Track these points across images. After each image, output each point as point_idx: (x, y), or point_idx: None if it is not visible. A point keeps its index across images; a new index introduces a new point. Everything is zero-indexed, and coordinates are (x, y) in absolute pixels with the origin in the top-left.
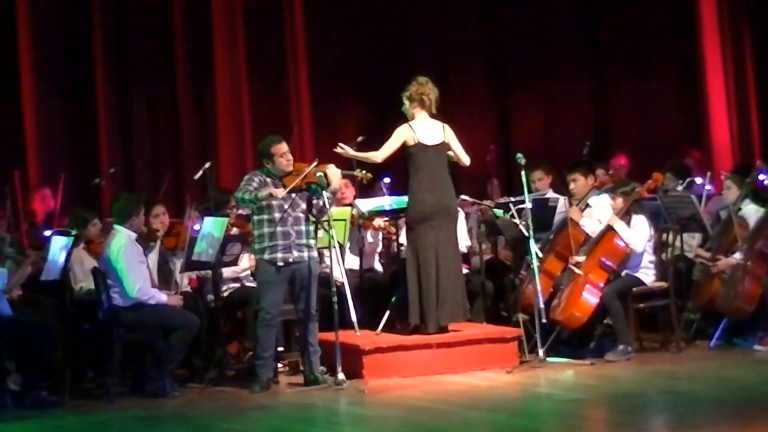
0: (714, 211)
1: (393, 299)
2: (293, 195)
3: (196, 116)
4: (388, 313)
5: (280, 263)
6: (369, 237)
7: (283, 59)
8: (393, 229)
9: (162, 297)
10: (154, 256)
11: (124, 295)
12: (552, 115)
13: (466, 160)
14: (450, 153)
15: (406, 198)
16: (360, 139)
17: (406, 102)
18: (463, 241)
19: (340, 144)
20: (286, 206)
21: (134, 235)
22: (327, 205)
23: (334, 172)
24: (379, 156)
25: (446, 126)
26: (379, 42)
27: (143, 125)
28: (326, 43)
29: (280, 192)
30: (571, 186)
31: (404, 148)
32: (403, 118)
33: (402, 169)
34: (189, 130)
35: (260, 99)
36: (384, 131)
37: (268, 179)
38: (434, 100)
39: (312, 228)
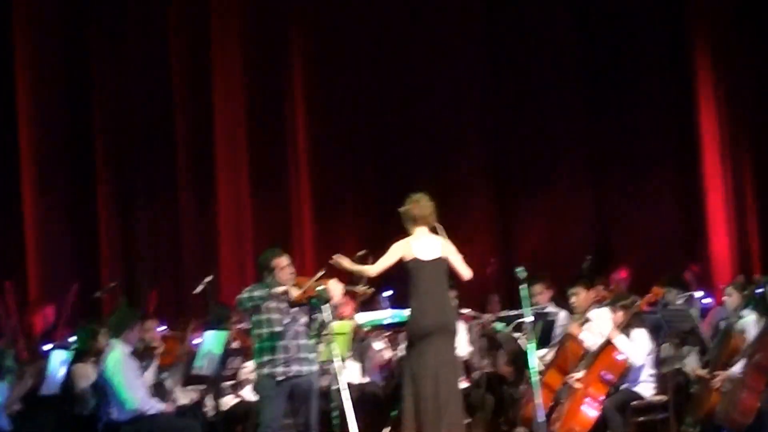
0: (714, 323)
1: (393, 413)
2: (293, 309)
3: (198, 230)
4: (388, 427)
5: (281, 377)
6: (376, 345)
7: (285, 173)
8: (369, 290)
9: (161, 406)
10: (149, 374)
11: (124, 408)
12: (553, 229)
13: (466, 273)
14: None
15: (406, 311)
16: (361, 253)
17: (404, 220)
18: (465, 348)
19: (336, 255)
20: (286, 320)
21: (129, 349)
22: (328, 320)
23: (335, 286)
24: (373, 270)
25: (444, 241)
26: (380, 155)
27: (144, 239)
28: (329, 158)
29: (294, 291)
30: (572, 300)
31: (402, 263)
32: (405, 233)
33: (403, 282)
34: (190, 243)
35: (262, 213)
36: (387, 245)
37: (266, 296)
38: (429, 215)
39: (312, 342)
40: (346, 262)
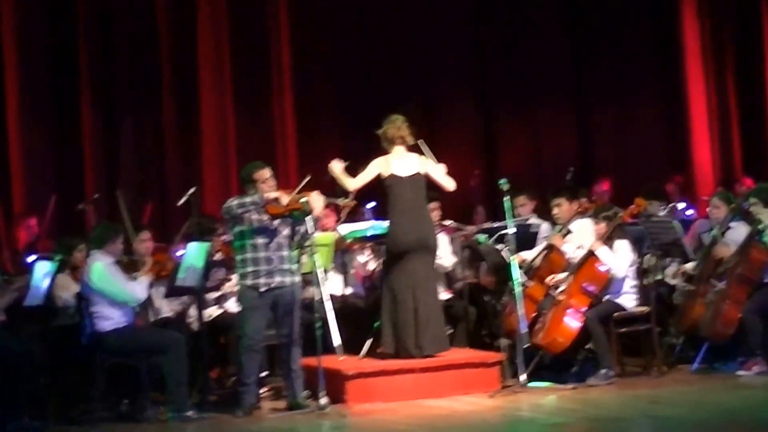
0: (697, 235)
1: (375, 324)
2: (276, 221)
3: (181, 143)
4: (371, 338)
5: (263, 288)
6: (360, 258)
7: (268, 87)
8: (352, 202)
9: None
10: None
11: (127, 309)
12: (536, 141)
13: (449, 185)
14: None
15: (386, 224)
16: (346, 163)
17: (382, 141)
18: (449, 259)
19: (336, 159)
20: (268, 232)
21: (111, 259)
22: (310, 231)
23: (317, 199)
24: (351, 184)
25: (422, 157)
26: (364, 70)
27: (128, 151)
28: (312, 72)
29: (285, 198)
30: (555, 211)
31: (380, 180)
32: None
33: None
34: (174, 156)
35: (245, 126)
36: (369, 159)
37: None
38: (405, 135)
39: (294, 253)
40: (337, 170)
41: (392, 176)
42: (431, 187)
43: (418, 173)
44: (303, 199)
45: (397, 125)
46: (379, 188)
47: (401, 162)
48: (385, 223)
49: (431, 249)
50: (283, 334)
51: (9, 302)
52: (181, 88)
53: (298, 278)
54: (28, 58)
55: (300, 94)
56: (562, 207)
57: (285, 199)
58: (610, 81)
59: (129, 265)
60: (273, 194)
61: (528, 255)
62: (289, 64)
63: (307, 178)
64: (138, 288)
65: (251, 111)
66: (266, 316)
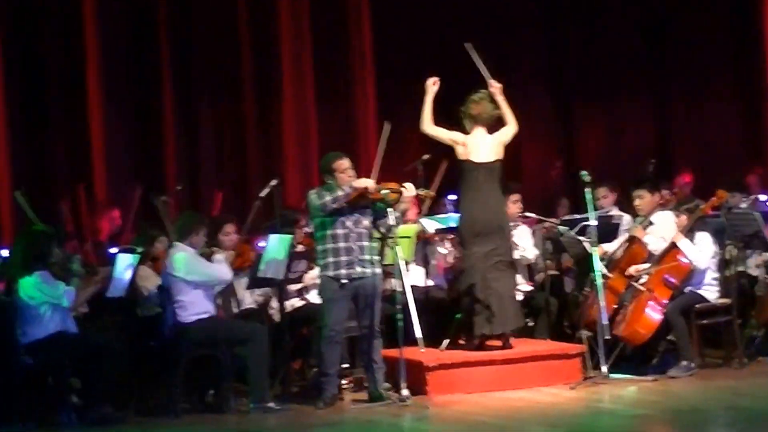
0: None
1: (457, 315)
2: (355, 213)
3: (263, 134)
4: (452, 329)
5: (344, 280)
6: (441, 249)
7: (350, 77)
8: (432, 193)
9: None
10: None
11: (213, 289)
12: (615, 133)
13: (512, 126)
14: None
15: (451, 216)
16: (426, 157)
17: (463, 118)
18: (531, 251)
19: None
20: (349, 222)
21: (193, 250)
22: (393, 223)
23: (409, 188)
24: (427, 125)
25: (494, 136)
26: (444, 62)
27: (209, 143)
28: (393, 62)
29: (367, 182)
30: (637, 202)
31: (457, 161)
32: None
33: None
34: (255, 148)
35: (327, 117)
36: (447, 151)
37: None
38: (487, 115)
39: (375, 244)
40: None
41: (468, 162)
42: (512, 178)
43: (497, 160)
44: (384, 191)
45: (480, 104)
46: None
47: (480, 146)
48: (448, 216)
49: (504, 234)
50: (365, 325)
51: (92, 294)
52: (261, 79)
53: (378, 269)
54: (109, 51)
55: (381, 82)
56: (644, 199)
57: (370, 184)
58: (689, 72)
59: (208, 256)
60: (360, 182)
61: (610, 248)
62: (371, 53)
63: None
64: (222, 268)
65: (332, 101)
66: (347, 307)
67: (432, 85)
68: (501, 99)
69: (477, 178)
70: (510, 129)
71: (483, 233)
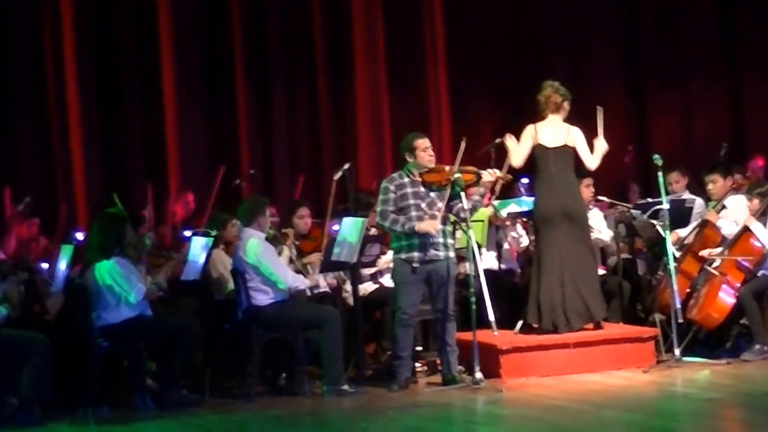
0: None
1: None
2: (431, 194)
3: (336, 119)
4: (525, 313)
5: (416, 263)
6: (513, 233)
7: (422, 63)
8: (509, 177)
9: (307, 281)
10: (283, 258)
11: (275, 289)
12: (688, 118)
13: (591, 164)
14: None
15: (530, 199)
16: (498, 141)
17: (538, 105)
18: (607, 233)
19: (508, 135)
20: (423, 205)
21: (263, 235)
22: (467, 206)
23: (488, 173)
24: (514, 162)
25: (574, 129)
26: (516, 47)
27: (282, 128)
28: (465, 48)
29: (434, 226)
30: (709, 187)
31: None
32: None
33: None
34: (328, 132)
35: (399, 102)
36: (521, 131)
37: (406, 179)
38: (560, 103)
39: (449, 228)
40: (512, 145)
41: (539, 146)
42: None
43: (565, 145)
44: (456, 174)
45: (547, 93)
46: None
47: (550, 131)
48: (526, 199)
49: (576, 220)
50: (438, 308)
51: (167, 277)
52: (335, 64)
53: (452, 253)
54: (182, 37)
55: (453, 69)
56: (716, 183)
57: (435, 227)
58: (763, 55)
59: (275, 239)
60: (424, 226)
61: (683, 233)
62: (443, 38)
63: (464, 142)
64: (290, 276)
65: (405, 86)
66: (420, 290)
67: (510, 141)
68: (600, 149)
69: (547, 163)
70: (589, 162)
71: (555, 219)
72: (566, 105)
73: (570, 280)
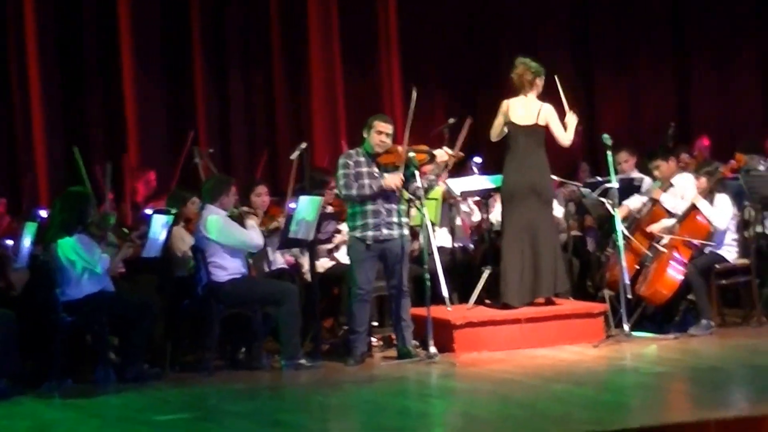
0: None
1: (484, 275)
2: (386, 174)
3: (291, 99)
4: (478, 288)
5: (370, 241)
6: (464, 208)
7: (376, 43)
8: (461, 154)
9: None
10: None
11: (244, 256)
12: (636, 98)
13: (564, 140)
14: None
15: (495, 177)
16: (451, 121)
17: (511, 84)
18: (558, 210)
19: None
20: (377, 186)
21: (224, 213)
22: (420, 185)
23: (441, 152)
24: (491, 137)
25: (545, 106)
26: (468, 27)
27: (239, 109)
28: (418, 28)
29: (398, 181)
30: (655, 173)
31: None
32: (490, 99)
33: (492, 149)
34: (284, 112)
35: (353, 82)
36: (470, 113)
37: (362, 158)
38: (532, 81)
39: (404, 207)
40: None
41: (510, 123)
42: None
43: (536, 124)
44: (411, 153)
45: (519, 71)
46: (486, 142)
47: (521, 109)
48: (494, 177)
49: (544, 197)
50: (393, 285)
51: (127, 254)
52: (291, 46)
53: (406, 231)
54: (141, 18)
55: (406, 51)
56: (660, 167)
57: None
58: (710, 39)
59: (238, 219)
60: (390, 181)
61: (632, 204)
62: (395, 21)
63: (414, 91)
64: (254, 234)
65: (358, 67)
66: (375, 267)
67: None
68: (572, 123)
69: (517, 139)
70: (563, 139)
71: (523, 196)
72: (538, 81)
73: (531, 256)
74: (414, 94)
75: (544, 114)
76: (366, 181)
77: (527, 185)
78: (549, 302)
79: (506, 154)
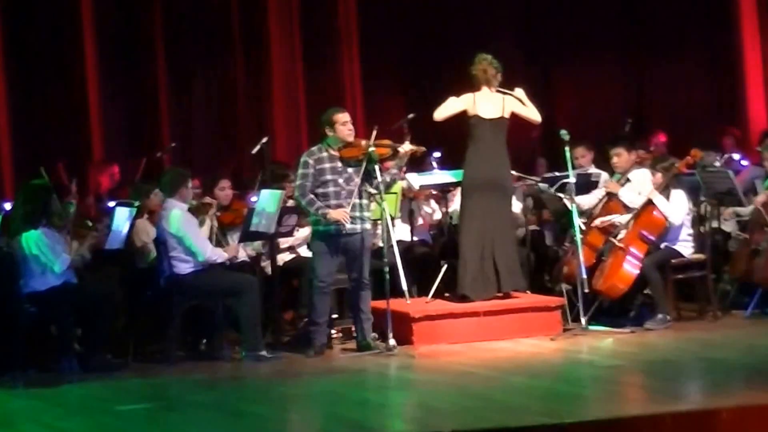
0: (748, 180)
1: (443, 269)
2: (349, 170)
3: (252, 94)
4: (437, 282)
5: (332, 234)
6: (426, 208)
7: (337, 40)
8: (422, 149)
9: (225, 254)
10: (205, 229)
11: (195, 259)
12: (590, 95)
13: (534, 116)
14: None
15: (454, 171)
16: (411, 116)
17: (472, 78)
18: (516, 205)
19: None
20: (340, 180)
21: (185, 206)
22: (380, 179)
23: (405, 146)
24: (436, 115)
25: (508, 98)
26: (424, 25)
27: (201, 103)
28: (377, 25)
29: (345, 216)
30: (614, 160)
31: (464, 117)
32: (446, 95)
33: (451, 143)
34: (245, 106)
35: (314, 76)
36: (428, 109)
37: (325, 153)
38: (494, 75)
39: (365, 201)
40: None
41: (476, 117)
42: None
43: (502, 117)
44: (371, 148)
45: (482, 66)
46: (450, 133)
47: (487, 103)
48: (453, 172)
49: (507, 190)
50: (354, 277)
51: (90, 248)
52: (251, 41)
53: (368, 225)
54: (102, 11)
55: (366, 46)
56: (621, 156)
57: (344, 217)
58: (662, 33)
59: (197, 209)
60: (337, 214)
61: (584, 201)
62: (355, 16)
63: (375, 130)
64: (209, 249)
65: (319, 63)
66: (337, 259)
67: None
68: (524, 95)
69: (483, 133)
70: (532, 116)
71: (484, 188)
72: (499, 77)
73: (489, 249)
74: (374, 133)
75: (508, 105)
76: (329, 177)
77: (491, 178)
78: (506, 296)
79: (470, 147)
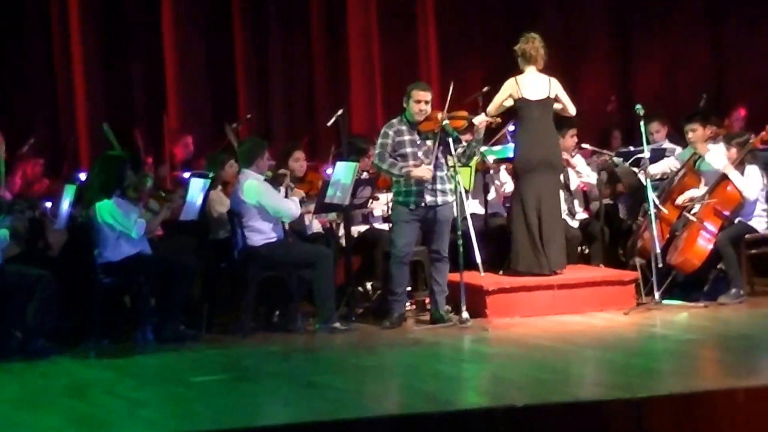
0: None
1: None
2: (427, 142)
3: (329, 66)
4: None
5: (413, 206)
6: (497, 181)
7: (413, 11)
8: (499, 120)
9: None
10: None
11: (283, 221)
12: (671, 67)
13: (572, 110)
14: (557, 105)
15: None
16: (486, 89)
17: (517, 57)
18: (593, 176)
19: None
20: (419, 153)
21: (261, 177)
22: (454, 152)
23: (478, 118)
24: (489, 111)
25: (553, 80)
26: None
27: (278, 75)
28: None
29: (428, 173)
30: (689, 135)
31: (512, 101)
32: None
33: None
34: (322, 78)
35: (390, 50)
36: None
37: (404, 126)
38: (541, 55)
39: (445, 174)
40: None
41: (522, 99)
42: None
43: (548, 97)
44: (445, 121)
45: (531, 44)
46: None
47: (531, 84)
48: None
49: (556, 170)
50: (434, 249)
51: (165, 218)
52: (329, 13)
53: (450, 198)
54: None
55: (442, 17)
56: (696, 132)
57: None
58: (747, 6)
59: (273, 180)
60: (418, 172)
61: (654, 168)
62: None
63: (452, 86)
64: (292, 205)
65: (395, 34)
66: (416, 230)
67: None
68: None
69: (531, 114)
70: (570, 108)
71: (535, 170)
72: (545, 56)
73: (541, 228)
74: (451, 89)
75: (555, 87)
76: (408, 150)
77: (541, 158)
78: (554, 273)
79: (520, 128)
